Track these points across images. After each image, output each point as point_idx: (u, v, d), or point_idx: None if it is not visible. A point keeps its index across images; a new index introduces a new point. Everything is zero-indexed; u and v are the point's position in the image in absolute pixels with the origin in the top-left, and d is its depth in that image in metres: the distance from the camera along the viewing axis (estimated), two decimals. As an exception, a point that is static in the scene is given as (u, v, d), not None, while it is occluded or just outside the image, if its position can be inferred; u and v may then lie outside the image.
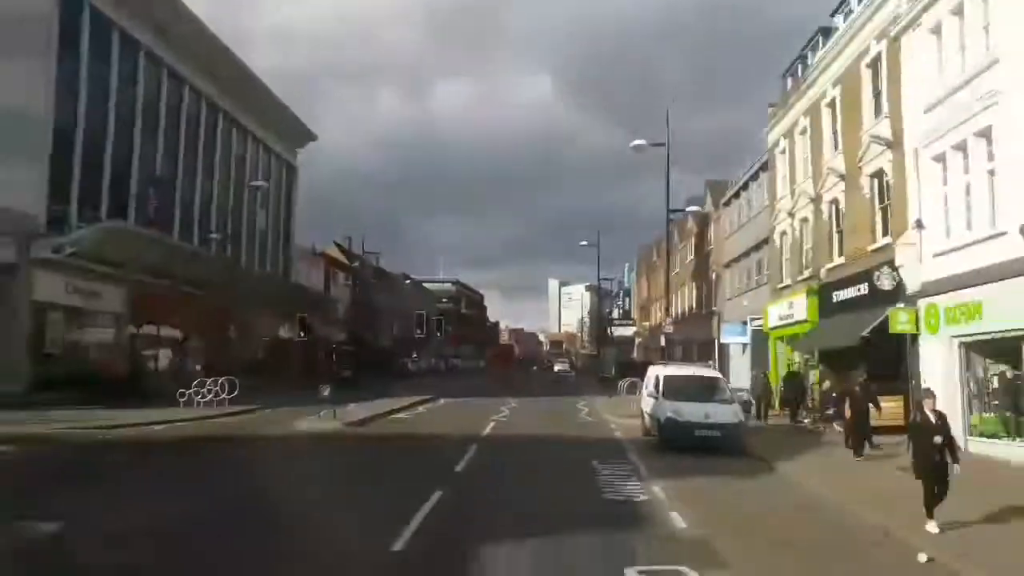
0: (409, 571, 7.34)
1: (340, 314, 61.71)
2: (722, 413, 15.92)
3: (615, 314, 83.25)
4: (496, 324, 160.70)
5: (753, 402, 23.62)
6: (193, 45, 36.25)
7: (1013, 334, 13.92)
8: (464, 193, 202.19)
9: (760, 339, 30.24)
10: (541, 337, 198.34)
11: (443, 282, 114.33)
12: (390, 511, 9.49)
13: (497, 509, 10.15)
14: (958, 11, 15.98)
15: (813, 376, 23.93)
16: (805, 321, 23.97)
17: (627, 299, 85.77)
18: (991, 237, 14.32)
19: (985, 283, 14.45)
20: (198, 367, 33.87)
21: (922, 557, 7.96)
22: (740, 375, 31.76)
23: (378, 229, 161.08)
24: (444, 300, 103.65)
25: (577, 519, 9.45)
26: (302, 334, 36.89)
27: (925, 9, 17.09)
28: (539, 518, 9.41)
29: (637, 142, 23.50)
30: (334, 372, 39.00)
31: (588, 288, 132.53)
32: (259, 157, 46.44)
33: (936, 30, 16.89)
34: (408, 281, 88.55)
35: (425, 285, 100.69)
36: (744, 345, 33.25)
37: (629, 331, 64.67)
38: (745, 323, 32.24)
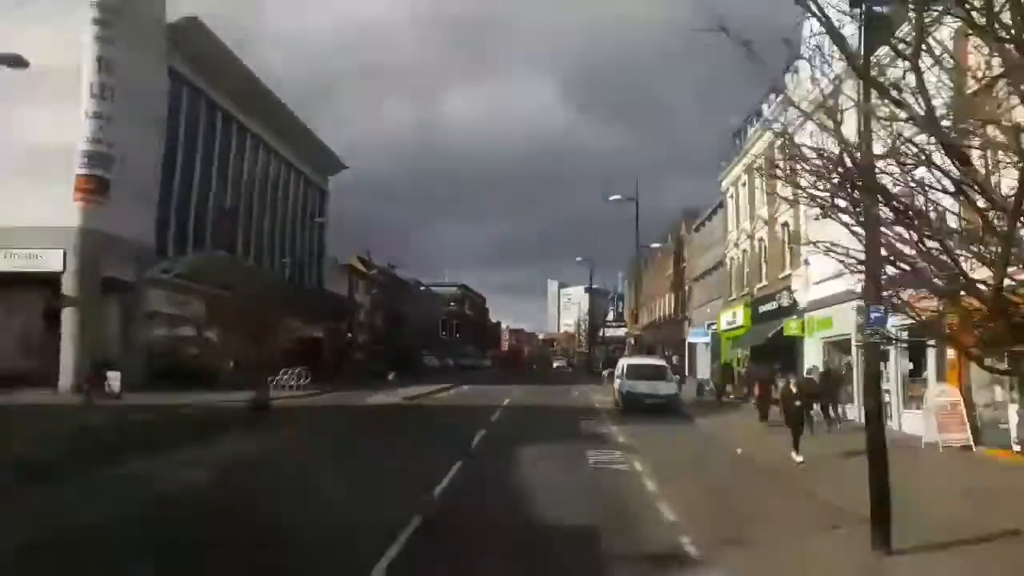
0: (481, 456, 14.99)
1: (363, 318, 69.52)
2: (664, 387, 23.84)
3: (610, 316, 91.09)
4: (498, 324, 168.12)
5: (714, 386, 30.85)
6: (255, 101, 43.99)
7: (846, 337, 21.60)
8: (468, 197, 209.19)
9: (717, 339, 38.02)
10: (541, 337, 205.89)
11: (449, 286, 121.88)
12: (458, 438, 17.13)
13: (519, 436, 17.87)
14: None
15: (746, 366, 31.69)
16: (742, 327, 31.72)
17: (620, 303, 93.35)
18: (835, 276, 21.97)
19: (833, 304, 22.14)
20: (230, 364, 41.09)
21: (738, 451, 15.68)
22: (705, 367, 39.70)
23: (385, 232, 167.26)
24: (451, 304, 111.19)
25: (565, 438, 17.26)
26: (350, 335, 45.03)
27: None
28: (544, 439, 17.20)
29: (613, 197, 31.32)
30: (371, 367, 46.79)
31: (586, 290, 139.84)
32: (300, 186, 54.36)
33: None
34: (423, 288, 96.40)
35: (433, 289, 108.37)
36: (707, 344, 41.00)
37: (621, 332, 72.34)
38: (705, 327, 40.02)
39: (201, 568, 7.06)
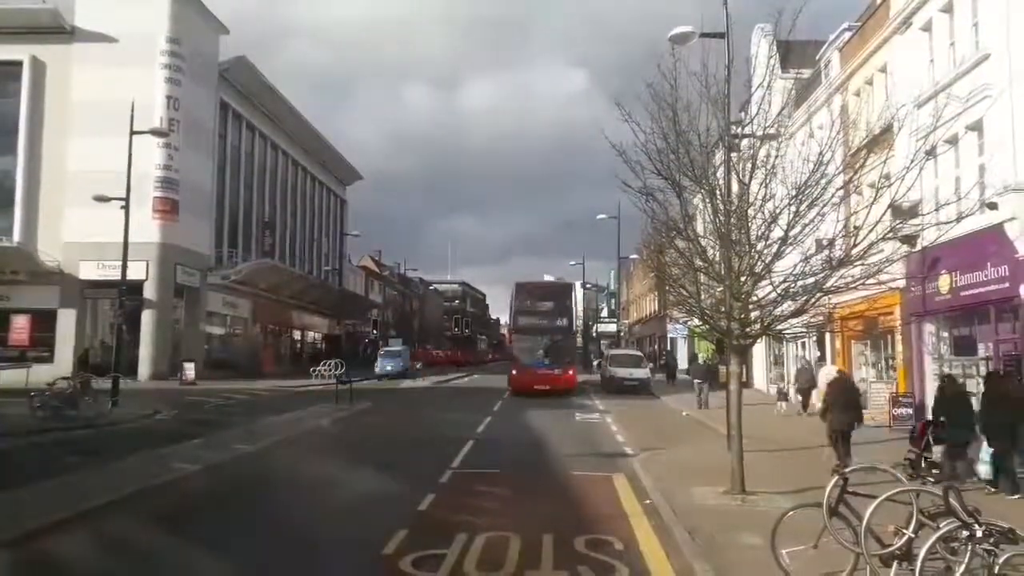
0: (501, 415, 21.20)
1: (375, 315, 75.88)
2: (638, 372, 30.15)
3: (604, 312, 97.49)
4: (497, 320, 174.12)
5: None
6: (286, 123, 50.16)
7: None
8: (475, 193, 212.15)
9: (690, 334, 44.27)
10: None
11: (451, 283, 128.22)
12: (483, 405, 23.41)
13: (526, 404, 24.16)
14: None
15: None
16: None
17: (612, 299, 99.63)
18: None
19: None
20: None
21: (684, 413, 21.94)
22: (683, 358, 46.02)
23: (392, 225, 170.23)
24: (455, 300, 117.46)
25: (560, 405, 23.59)
26: (374, 332, 51.48)
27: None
28: (544, 405, 23.46)
29: (600, 216, 37.58)
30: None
31: (583, 286, 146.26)
32: (324, 197, 60.61)
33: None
34: (432, 288, 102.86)
35: (437, 287, 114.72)
36: (684, 337, 47.29)
37: (612, 327, 78.79)
38: (681, 323, 46.25)
39: (395, 450, 13.73)
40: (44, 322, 34.93)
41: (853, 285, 10.22)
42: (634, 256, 50.58)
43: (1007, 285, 13.72)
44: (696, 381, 24.81)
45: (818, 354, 25.18)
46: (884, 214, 9.87)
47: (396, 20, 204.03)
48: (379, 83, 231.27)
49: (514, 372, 29.08)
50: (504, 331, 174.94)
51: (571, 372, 28.99)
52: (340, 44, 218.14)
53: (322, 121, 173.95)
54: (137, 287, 34.84)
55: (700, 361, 30.11)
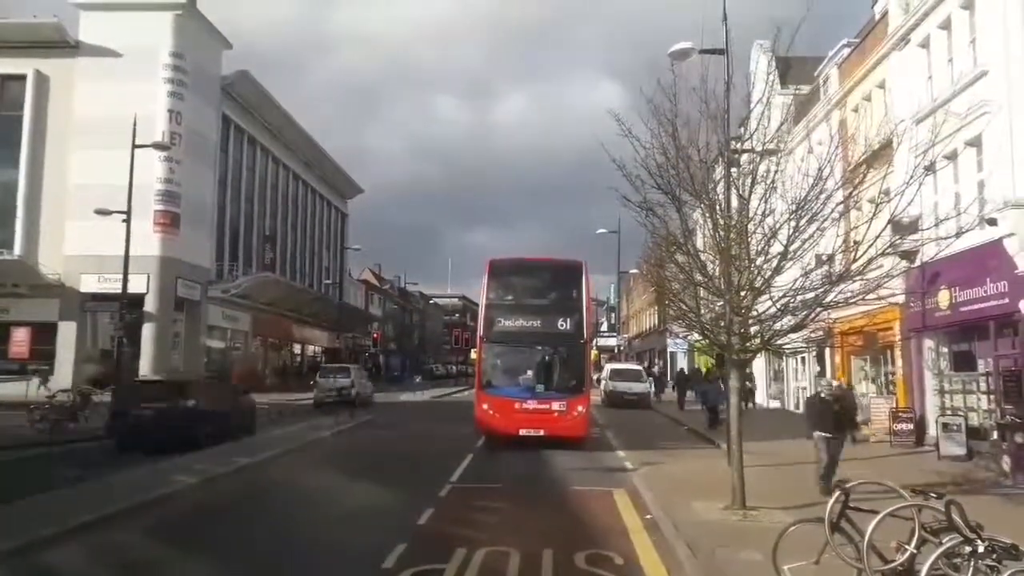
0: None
1: (375, 328, 75.85)
2: (639, 387, 30.15)
3: (604, 326, 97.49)
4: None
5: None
6: (288, 137, 50.35)
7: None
8: (489, 204, 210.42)
9: (691, 348, 44.25)
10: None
11: (450, 297, 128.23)
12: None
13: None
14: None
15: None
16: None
17: (612, 314, 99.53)
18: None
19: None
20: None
21: (684, 428, 21.89)
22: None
23: (399, 236, 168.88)
24: (455, 314, 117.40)
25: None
26: (374, 348, 51.42)
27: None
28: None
29: (600, 231, 37.71)
30: (394, 373, 53.04)
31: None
32: (325, 211, 60.79)
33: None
34: (432, 301, 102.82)
35: (437, 301, 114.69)
36: (684, 351, 47.24)
37: (613, 341, 78.74)
38: (682, 337, 46.23)
39: (395, 463, 13.65)
40: (44, 335, 34.87)
41: (853, 300, 10.25)
42: (634, 271, 50.72)
43: (1007, 300, 13.75)
44: (820, 436, 11.53)
45: (818, 369, 25.18)
46: (884, 229, 9.91)
47: (430, 31, 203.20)
48: (408, 94, 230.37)
49: (484, 407, 17.74)
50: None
51: (580, 407, 17.45)
52: (374, 55, 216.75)
53: (347, 131, 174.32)
54: (138, 300, 34.81)
55: (824, 388, 12.75)
